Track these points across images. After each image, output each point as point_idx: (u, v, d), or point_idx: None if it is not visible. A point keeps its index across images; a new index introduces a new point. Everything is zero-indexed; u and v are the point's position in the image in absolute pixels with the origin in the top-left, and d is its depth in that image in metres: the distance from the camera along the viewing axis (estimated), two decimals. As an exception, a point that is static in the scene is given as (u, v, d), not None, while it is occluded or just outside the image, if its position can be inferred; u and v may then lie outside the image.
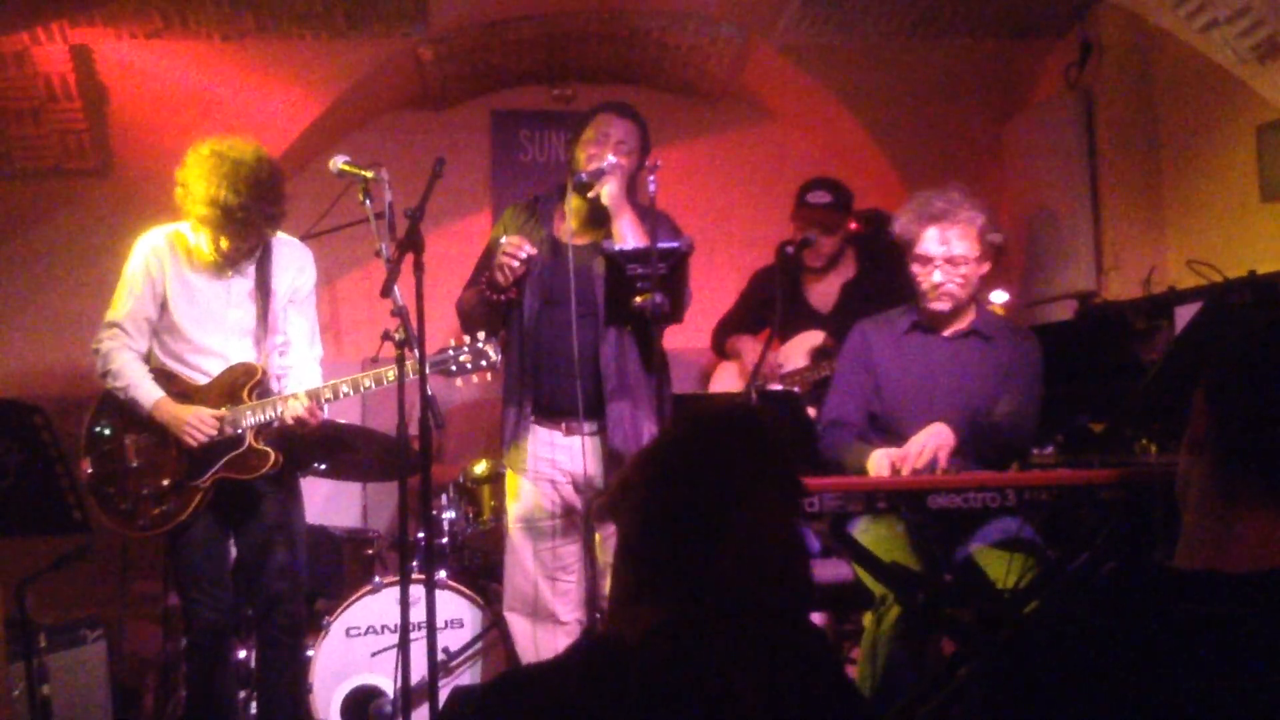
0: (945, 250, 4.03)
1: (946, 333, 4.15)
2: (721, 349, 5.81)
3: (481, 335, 4.16)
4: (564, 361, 4.27)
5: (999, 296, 4.37)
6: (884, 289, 4.77)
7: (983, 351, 4.12)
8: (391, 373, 3.96)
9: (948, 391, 4.06)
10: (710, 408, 2.03)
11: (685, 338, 5.25)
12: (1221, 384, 1.49)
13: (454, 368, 4.13)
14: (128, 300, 4.29)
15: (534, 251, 4.26)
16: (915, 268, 4.10)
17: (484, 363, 4.15)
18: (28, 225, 5.80)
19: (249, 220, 4.16)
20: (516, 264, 4.22)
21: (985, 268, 4.10)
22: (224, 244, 4.20)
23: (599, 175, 4.24)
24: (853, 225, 5.55)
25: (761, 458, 1.85)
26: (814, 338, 5.30)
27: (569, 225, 4.44)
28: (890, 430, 4.07)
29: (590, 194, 4.27)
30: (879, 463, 3.82)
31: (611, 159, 4.26)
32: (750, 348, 5.58)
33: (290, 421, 4.20)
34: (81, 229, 5.71)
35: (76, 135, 5.74)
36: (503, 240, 4.28)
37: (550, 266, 4.33)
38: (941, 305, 4.08)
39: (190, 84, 5.81)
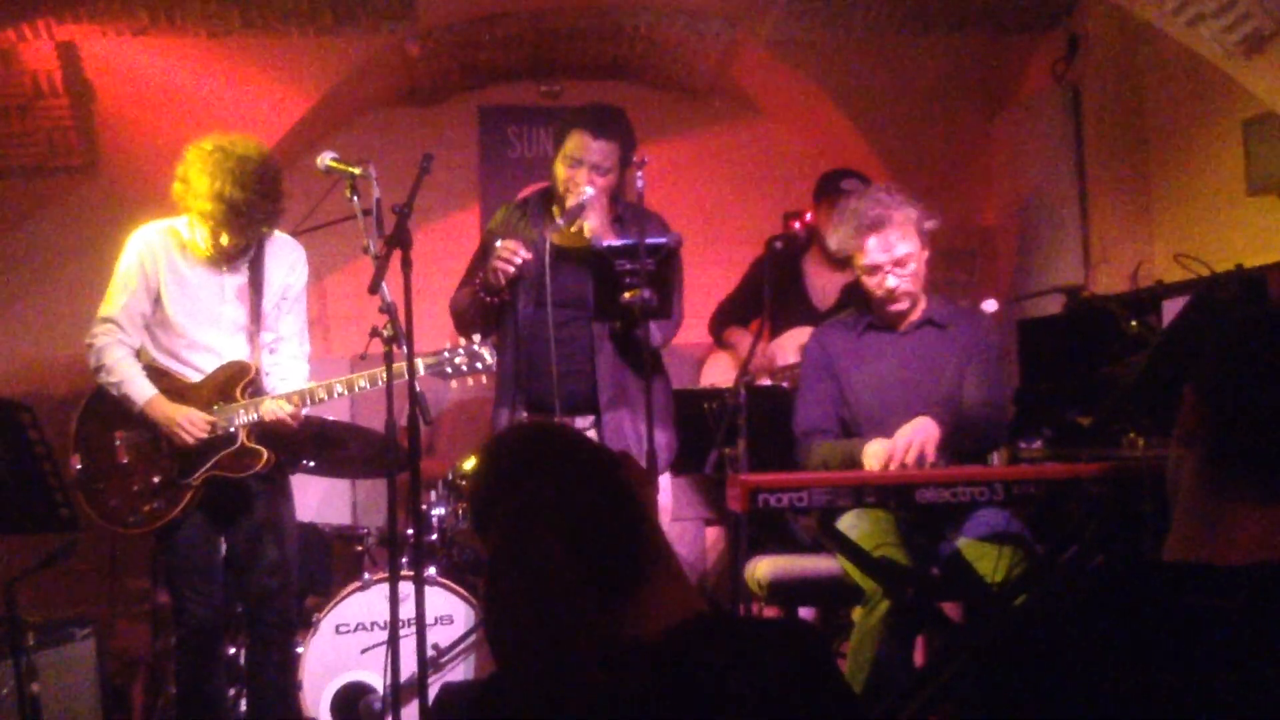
0: (890, 255, 4.05)
1: (901, 327, 4.17)
2: (720, 337, 5.80)
3: (477, 338, 4.16)
4: (557, 362, 4.27)
5: (989, 306, 4.39)
6: None
7: (939, 339, 4.14)
8: (362, 381, 4.01)
9: (912, 385, 4.08)
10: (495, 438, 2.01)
11: (679, 332, 5.26)
12: (1212, 378, 1.49)
13: (449, 370, 4.13)
14: (122, 295, 4.27)
15: (529, 256, 4.25)
16: (865, 278, 4.13)
17: (479, 365, 4.15)
18: (14, 222, 5.79)
19: (253, 216, 4.15)
20: (511, 269, 4.22)
21: (926, 254, 4.12)
22: (225, 240, 4.19)
23: (579, 211, 4.22)
24: None
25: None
26: (805, 334, 5.29)
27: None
28: (861, 433, 4.08)
29: (573, 229, 4.25)
30: (874, 452, 3.81)
31: (589, 191, 4.23)
32: (745, 341, 5.58)
33: (269, 421, 4.20)
34: (68, 226, 5.69)
35: (63, 132, 5.72)
36: (498, 244, 4.27)
37: (543, 268, 4.31)
38: (901, 305, 4.13)
39: (177, 81, 5.81)
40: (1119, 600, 1.40)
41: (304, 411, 4.25)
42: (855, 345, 4.19)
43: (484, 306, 4.35)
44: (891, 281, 4.07)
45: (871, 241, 4.06)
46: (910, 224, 4.07)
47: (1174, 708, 1.31)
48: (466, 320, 4.42)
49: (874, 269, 4.09)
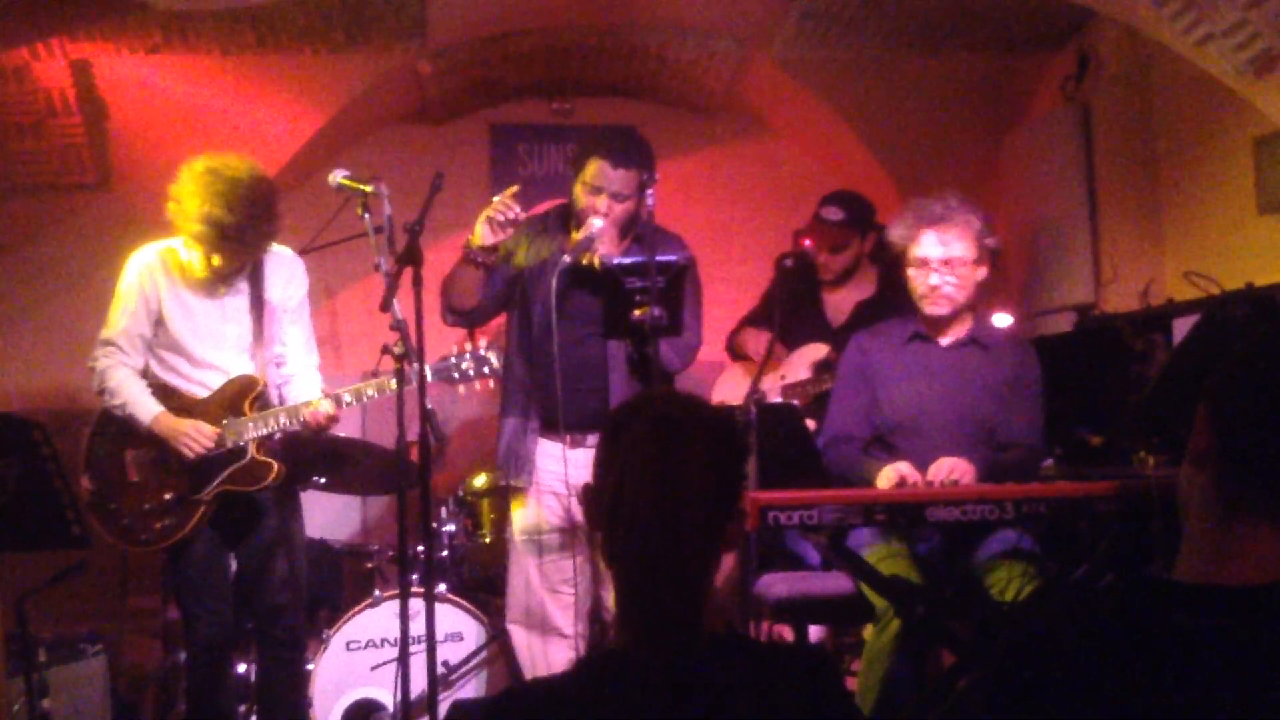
0: (943, 252, 4.04)
1: (945, 342, 4.15)
2: (733, 342, 5.80)
3: (483, 342, 4.15)
4: (571, 376, 4.26)
5: (1002, 320, 4.37)
6: (898, 310, 4.74)
7: (982, 361, 4.12)
8: (393, 382, 3.96)
9: (948, 401, 4.06)
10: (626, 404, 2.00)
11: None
12: (1224, 397, 1.49)
13: (455, 375, 4.11)
14: (122, 318, 4.28)
15: (522, 215, 4.24)
16: (911, 271, 4.11)
17: (485, 369, 4.13)
18: (27, 240, 5.81)
19: (243, 239, 4.14)
20: (501, 218, 4.20)
21: (982, 272, 4.10)
22: (216, 262, 4.19)
23: (588, 244, 4.22)
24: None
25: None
26: (818, 350, 5.30)
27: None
28: (891, 442, 4.07)
29: (584, 260, 4.25)
30: (889, 477, 3.81)
31: (597, 224, 4.23)
32: (754, 342, 5.59)
33: (315, 425, 4.19)
34: (81, 243, 5.71)
35: (76, 150, 5.75)
36: (495, 199, 4.26)
37: (559, 286, 4.30)
38: (939, 309, 4.09)
39: (190, 99, 5.83)
40: (1129, 620, 1.40)
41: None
42: (897, 354, 4.18)
43: (473, 266, 4.32)
44: (935, 280, 4.06)
45: (928, 235, 4.05)
46: (970, 230, 4.06)
47: (1184, 727, 1.32)
48: (454, 288, 4.37)
49: (922, 263, 4.07)
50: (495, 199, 4.22)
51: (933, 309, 4.10)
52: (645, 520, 1.76)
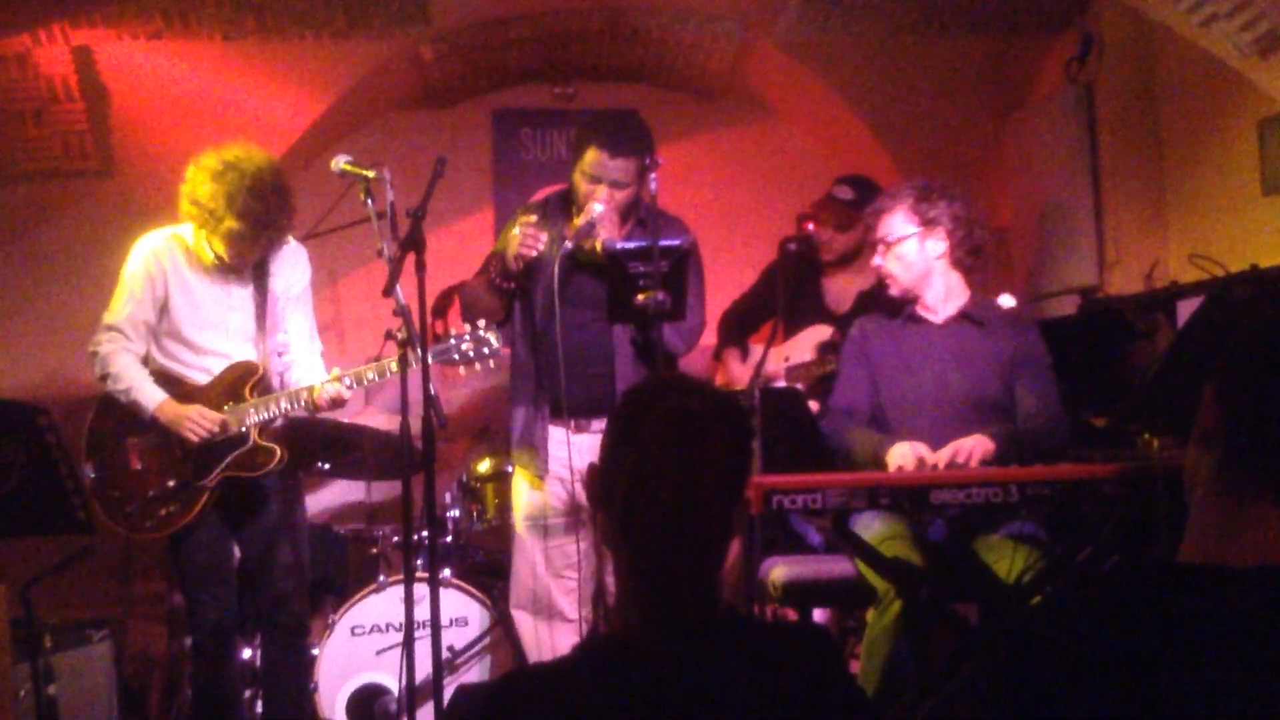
0: (880, 233, 4.17)
1: (939, 320, 4.16)
2: (720, 351, 5.79)
3: (482, 323, 4.14)
4: (575, 361, 4.26)
5: (1006, 301, 4.38)
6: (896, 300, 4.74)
7: (976, 337, 4.11)
8: (393, 364, 3.94)
9: (944, 378, 4.06)
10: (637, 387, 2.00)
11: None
12: (1232, 378, 1.49)
13: (456, 356, 4.10)
14: (127, 303, 4.27)
15: (546, 239, 4.24)
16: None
17: (485, 350, 4.12)
18: (29, 226, 5.80)
19: (277, 227, 4.18)
20: (533, 253, 4.20)
21: (937, 241, 4.10)
22: (250, 254, 4.21)
23: (589, 230, 4.21)
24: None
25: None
26: (822, 332, 5.29)
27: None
28: (890, 420, 4.07)
29: (586, 246, 4.24)
30: (902, 454, 3.78)
31: (597, 209, 4.22)
32: (736, 366, 5.62)
33: (326, 404, 4.20)
34: (83, 230, 5.71)
35: (78, 136, 5.74)
36: (517, 230, 4.25)
37: (559, 273, 4.30)
38: (892, 289, 4.18)
39: (192, 84, 5.82)
40: (1134, 602, 1.40)
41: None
42: (894, 334, 4.20)
43: (498, 292, 4.33)
44: (877, 259, 4.20)
45: (876, 223, 4.21)
46: (899, 205, 4.16)
47: (1188, 709, 1.31)
48: (476, 307, 4.38)
49: (873, 248, 4.24)
50: (516, 230, 4.23)
51: (891, 290, 4.20)
52: (666, 509, 1.75)
